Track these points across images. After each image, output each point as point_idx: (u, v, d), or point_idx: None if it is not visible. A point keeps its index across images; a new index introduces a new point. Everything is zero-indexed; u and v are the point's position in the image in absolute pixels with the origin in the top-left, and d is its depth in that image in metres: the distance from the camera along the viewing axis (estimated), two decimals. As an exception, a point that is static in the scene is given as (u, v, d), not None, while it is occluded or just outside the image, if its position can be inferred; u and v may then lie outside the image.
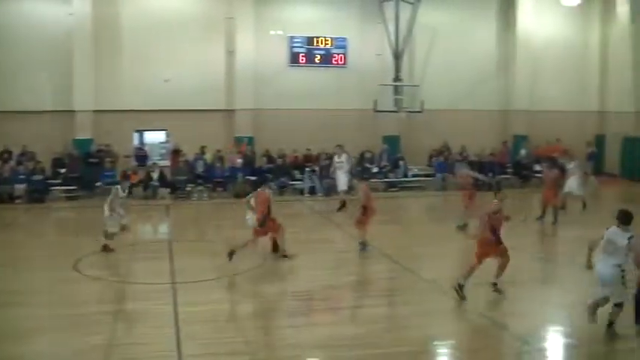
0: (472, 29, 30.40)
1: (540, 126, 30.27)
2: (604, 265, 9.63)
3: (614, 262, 9.44)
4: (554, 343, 10.05)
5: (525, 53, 30.51)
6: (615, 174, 30.42)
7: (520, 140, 30.06)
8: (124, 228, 15.68)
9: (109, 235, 15.36)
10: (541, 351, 9.45)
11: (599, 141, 31.69)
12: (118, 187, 15.98)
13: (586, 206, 21.37)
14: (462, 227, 18.18)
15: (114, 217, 15.39)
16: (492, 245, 11.77)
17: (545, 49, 30.74)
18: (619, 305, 9.35)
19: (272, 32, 27.79)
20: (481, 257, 11.77)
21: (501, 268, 11.90)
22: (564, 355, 9.47)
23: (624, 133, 30.51)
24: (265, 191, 15.08)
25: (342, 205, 21.56)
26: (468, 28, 30.17)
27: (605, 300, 9.58)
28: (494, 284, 11.95)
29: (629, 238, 9.53)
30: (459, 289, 11.57)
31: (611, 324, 9.60)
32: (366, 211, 15.86)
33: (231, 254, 14.05)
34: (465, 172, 19.99)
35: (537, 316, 11.15)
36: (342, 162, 23.20)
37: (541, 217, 19.33)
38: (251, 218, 15.27)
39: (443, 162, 27.68)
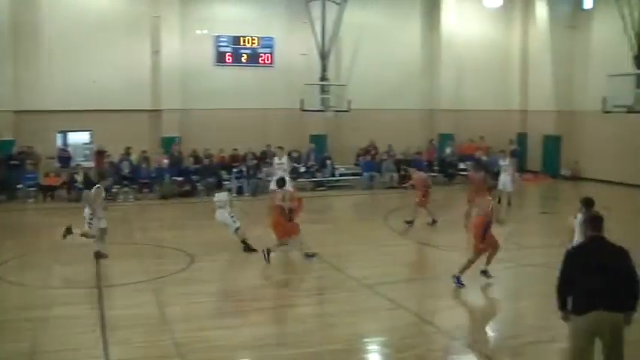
0: (398, 29, 30.82)
1: (465, 125, 31.07)
2: None
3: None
4: (480, 337, 10.31)
5: (449, 53, 31.12)
6: (537, 171, 31.38)
7: (445, 139, 30.68)
8: (103, 232, 15.03)
9: (89, 236, 14.84)
10: (467, 345, 9.67)
11: (522, 139, 32.65)
12: (100, 186, 15.54)
13: (511, 203, 21.97)
14: (410, 222, 18.69)
15: (96, 218, 14.80)
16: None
17: (469, 49, 31.42)
18: None
19: (198, 31, 27.59)
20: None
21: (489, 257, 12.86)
22: (490, 348, 9.70)
23: (545, 132, 31.50)
24: (278, 192, 15.25)
25: None
26: (393, 28, 30.58)
27: None
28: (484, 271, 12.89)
29: None
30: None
31: None
32: (292, 213, 16.18)
33: (310, 255, 14.66)
34: (420, 175, 20.26)
35: (462, 311, 11.44)
36: (282, 163, 23.10)
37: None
38: (220, 215, 15.67)
39: (370, 161, 28.02)
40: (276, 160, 23.12)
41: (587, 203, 11.09)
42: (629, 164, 26.32)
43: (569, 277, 7.02)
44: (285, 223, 14.60)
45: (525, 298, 12.40)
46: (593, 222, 7.20)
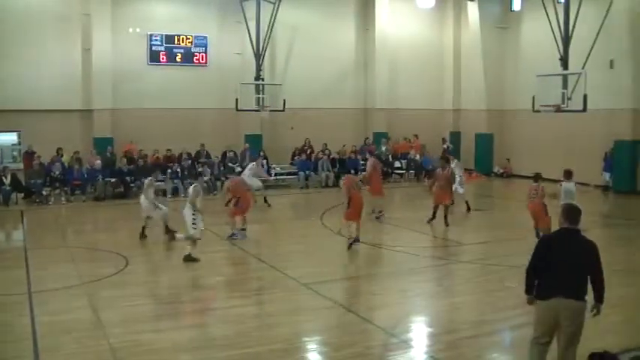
0: (332, 29, 31.00)
1: (399, 123, 31.44)
2: None
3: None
4: (419, 333, 10.41)
5: (384, 53, 31.42)
6: (472, 169, 31.93)
7: (380, 137, 30.94)
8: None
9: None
10: (407, 341, 9.74)
11: (455, 137, 33.26)
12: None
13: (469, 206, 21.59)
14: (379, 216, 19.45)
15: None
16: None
17: (403, 49, 31.90)
18: None
19: (130, 30, 27.08)
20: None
21: None
22: (428, 344, 9.78)
23: (477, 130, 32.10)
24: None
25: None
26: (328, 28, 30.74)
27: None
28: None
29: (575, 184, 15.60)
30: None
31: None
32: (238, 202, 16.85)
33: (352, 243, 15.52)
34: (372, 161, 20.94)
35: (400, 308, 11.51)
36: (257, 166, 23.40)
37: (432, 219, 18.96)
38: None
39: (305, 160, 28.04)
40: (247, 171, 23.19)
41: (569, 173, 15.73)
42: (558, 161, 26.96)
43: (538, 263, 7.33)
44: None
45: (462, 293, 12.58)
46: (570, 214, 7.40)
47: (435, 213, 19.06)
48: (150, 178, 17.08)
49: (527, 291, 7.49)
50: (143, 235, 16.57)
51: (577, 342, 7.21)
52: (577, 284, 7.15)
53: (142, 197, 16.79)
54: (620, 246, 16.21)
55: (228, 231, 16.92)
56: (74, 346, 9.30)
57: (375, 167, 20.36)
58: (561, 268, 7.18)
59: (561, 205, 7.75)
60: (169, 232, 16.48)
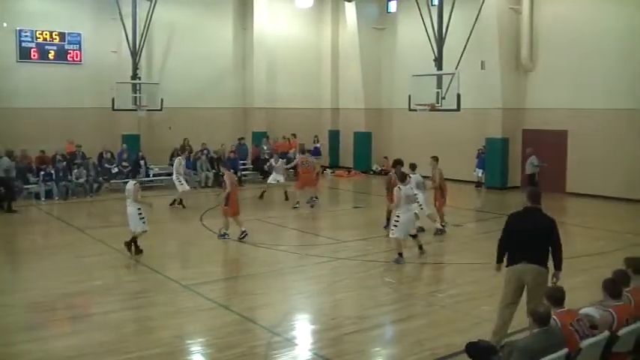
0: (210, 28, 30.81)
1: (279, 123, 31.65)
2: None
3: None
4: (302, 331, 10.53)
5: (262, 52, 31.52)
6: (350, 167, 32.55)
7: (259, 137, 30.98)
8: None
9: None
10: (291, 340, 9.81)
11: (334, 136, 33.78)
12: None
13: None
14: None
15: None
16: None
17: (282, 49, 32.17)
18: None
19: (-4, 24, 25.79)
20: None
21: None
22: (312, 341, 9.91)
23: (355, 129, 32.74)
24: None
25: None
26: (206, 27, 30.52)
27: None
28: None
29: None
30: None
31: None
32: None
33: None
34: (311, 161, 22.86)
35: (283, 306, 11.58)
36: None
37: (443, 228, 17.83)
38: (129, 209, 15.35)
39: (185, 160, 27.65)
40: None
41: (398, 162, 16.50)
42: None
43: (506, 235, 8.90)
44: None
45: (343, 290, 12.78)
46: (533, 195, 8.87)
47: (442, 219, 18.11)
48: (134, 182, 15.65)
49: (497, 260, 9.06)
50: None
51: (540, 298, 8.02)
52: (539, 253, 8.55)
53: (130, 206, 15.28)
54: (489, 239, 16.94)
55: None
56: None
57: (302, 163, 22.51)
58: (526, 239, 8.57)
59: (527, 189, 9.45)
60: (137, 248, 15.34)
